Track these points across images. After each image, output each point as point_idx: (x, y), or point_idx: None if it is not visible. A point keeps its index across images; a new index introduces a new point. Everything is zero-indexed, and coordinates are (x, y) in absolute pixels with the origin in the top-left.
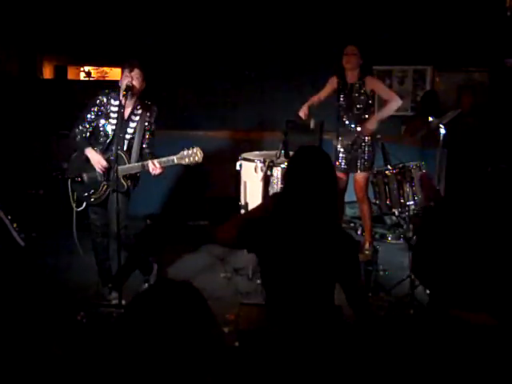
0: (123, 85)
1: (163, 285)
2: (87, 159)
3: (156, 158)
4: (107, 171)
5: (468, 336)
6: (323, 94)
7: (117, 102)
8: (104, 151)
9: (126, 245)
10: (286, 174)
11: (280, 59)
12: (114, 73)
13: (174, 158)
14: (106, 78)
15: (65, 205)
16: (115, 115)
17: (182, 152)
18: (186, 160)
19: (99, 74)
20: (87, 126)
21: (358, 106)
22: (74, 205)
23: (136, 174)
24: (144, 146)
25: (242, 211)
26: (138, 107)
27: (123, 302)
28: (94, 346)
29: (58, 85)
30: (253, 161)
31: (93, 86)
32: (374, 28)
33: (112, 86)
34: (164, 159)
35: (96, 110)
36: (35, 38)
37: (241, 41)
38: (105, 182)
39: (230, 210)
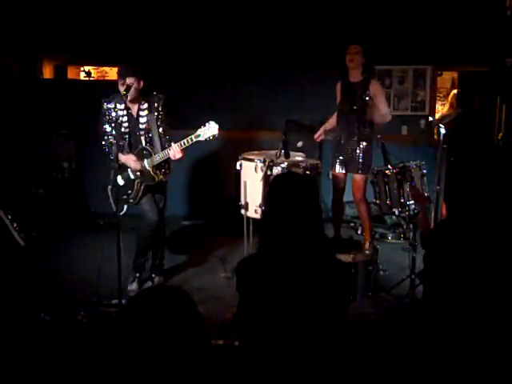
0: (121, 91)
1: (154, 290)
2: (119, 165)
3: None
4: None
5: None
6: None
7: (122, 106)
8: (128, 153)
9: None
10: (266, 207)
11: (280, 59)
12: (113, 72)
13: (192, 137)
14: (106, 78)
15: (65, 204)
16: (125, 118)
17: (198, 130)
18: (204, 136)
19: (99, 74)
20: (110, 136)
21: (358, 105)
22: (116, 210)
23: (166, 163)
24: (161, 135)
25: (242, 211)
26: (143, 102)
27: (123, 302)
28: (94, 345)
29: (58, 85)
30: (253, 160)
31: (93, 86)
32: (374, 28)
33: (112, 86)
34: (183, 141)
35: (107, 118)
36: (35, 38)
37: (241, 41)
38: (138, 180)
39: (229, 210)
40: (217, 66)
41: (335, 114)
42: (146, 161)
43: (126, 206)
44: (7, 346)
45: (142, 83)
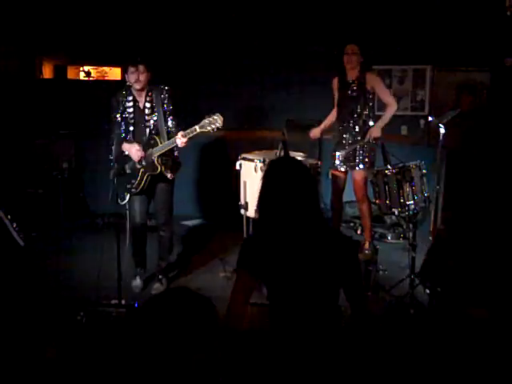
0: (132, 81)
1: (175, 292)
2: (125, 155)
3: None
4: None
5: (468, 332)
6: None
7: (131, 97)
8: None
9: (164, 237)
10: (261, 193)
11: (280, 59)
12: (113, 72)
13: (197, 127)
14: (106, 78)
15: (65, 204)
16: (131, 110)
17: (203, 120)
18: (208, 128)
19: (99, 74)
20: (119, 127)
21: (357, 103)
22: (119, 200)
23: (174, 158)
24: (170, 128)
25: (242, 211)
26: (150, 94)
27: (123, 302)
28: (94, 345)
29: (58, 85)
30: (253, 160)
31: (93, 86)
32: (374, 28)
33: (112, 86)
34: (188, 130)
35: (116, 109)
36: (35, 38)
37: (241, 41)
38: (142, 169)
39: (229, 210)
40: (217, 66)
41: (333, 112)
42: (152, 149)
43: (128, 196)
44: (7, 346)
45: (150, 75)
